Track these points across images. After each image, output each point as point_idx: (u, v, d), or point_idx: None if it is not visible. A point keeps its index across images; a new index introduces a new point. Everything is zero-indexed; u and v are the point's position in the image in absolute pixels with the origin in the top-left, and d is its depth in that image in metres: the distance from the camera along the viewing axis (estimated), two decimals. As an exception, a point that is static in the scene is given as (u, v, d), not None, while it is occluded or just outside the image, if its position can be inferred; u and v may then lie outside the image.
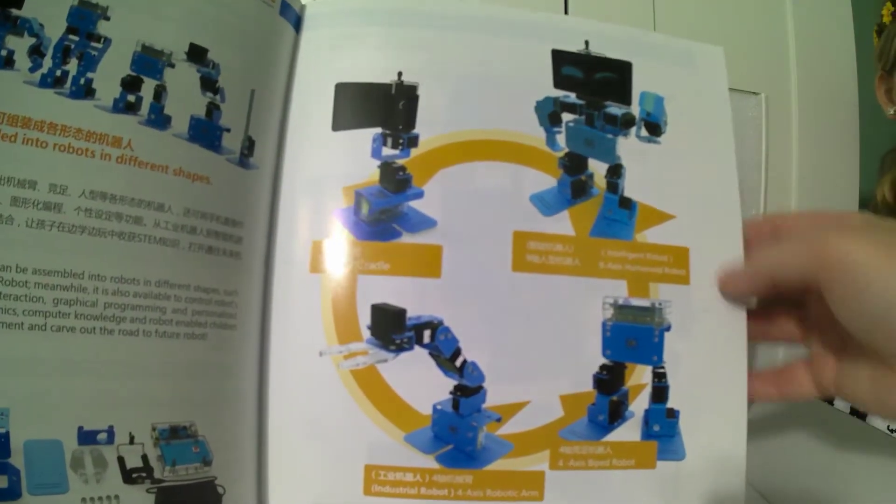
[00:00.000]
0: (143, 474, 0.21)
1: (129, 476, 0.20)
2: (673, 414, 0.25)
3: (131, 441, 0.21)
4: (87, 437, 0.20)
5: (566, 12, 0.44)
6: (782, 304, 0.28)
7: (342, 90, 0.26)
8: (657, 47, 0.28)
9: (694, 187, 0.27)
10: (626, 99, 0.27)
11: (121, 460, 0.20)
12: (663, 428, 0.25)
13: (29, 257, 0.19)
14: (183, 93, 0.23)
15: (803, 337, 0.28)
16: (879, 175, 0.59)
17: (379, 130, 0.25)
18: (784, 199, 0.53)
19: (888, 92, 0.53)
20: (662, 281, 0.26)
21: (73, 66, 0.21)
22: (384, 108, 0.26)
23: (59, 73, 0.21)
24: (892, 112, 0.55)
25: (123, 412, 0.21)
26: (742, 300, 0.26)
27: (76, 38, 0.21)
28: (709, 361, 0.26)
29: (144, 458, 0.21)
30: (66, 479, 0.19)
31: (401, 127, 0.25)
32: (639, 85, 0.27)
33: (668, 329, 0.26)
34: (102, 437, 0.20)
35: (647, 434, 0.25)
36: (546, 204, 0.26)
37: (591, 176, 0.26)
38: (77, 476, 0.19)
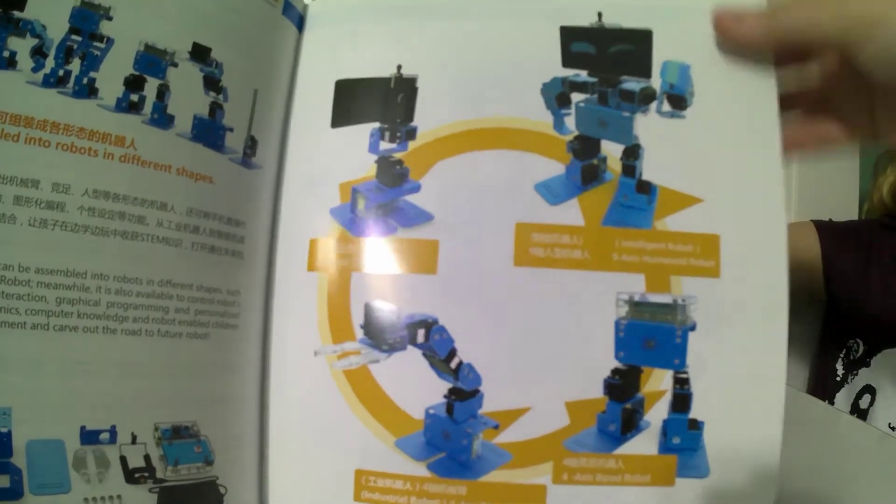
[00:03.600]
0: (146, 474, 0.21)
1: (131, 476, 0.20)
2: (696, 425, 0.23)
3: (133, 441, 0.21)
4: (89, 437, 0.20)
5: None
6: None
7: (342, 87, 0.25)
8: (682, 9, 0.25)
9: (726, 166, 0.24)
10: (645, 71, 0.25)
11: (123, 460, 0.20)
12: (684, 441, 0.23)
13: (31, 256, 0.19)
14: (186, 92, 0.23)
15: (820, 100, 0.27)
16: (873, 177, 0.57)
17: (377, 125, 0.25)
18: (784, 199, 0.53)
19: None
20: (686, 274, 0.23)
21: (75, 65, 0.21)
22: (383, 102, 0.25)
23: (61, 72, 0.21)
24: None
25: (126, 412, 0.21)
26: (746, 49, 0.25)
27: (79, 39, 0.21)
28: (740, 366, 0.23)
29: (147, 457, 0.21)
30: (69, 478, 0.19)
31: (399, 120, 0.25)
32: (661, 54, 0.25)
33: (692, 328, 0.23)
34: (105, 436, 0.20)
35: (666, 447, 0.23)
36: (552, 192, 0.24)
37: (604, 159, 0.24)
38: (79, 476, 0.19)
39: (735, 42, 0.25)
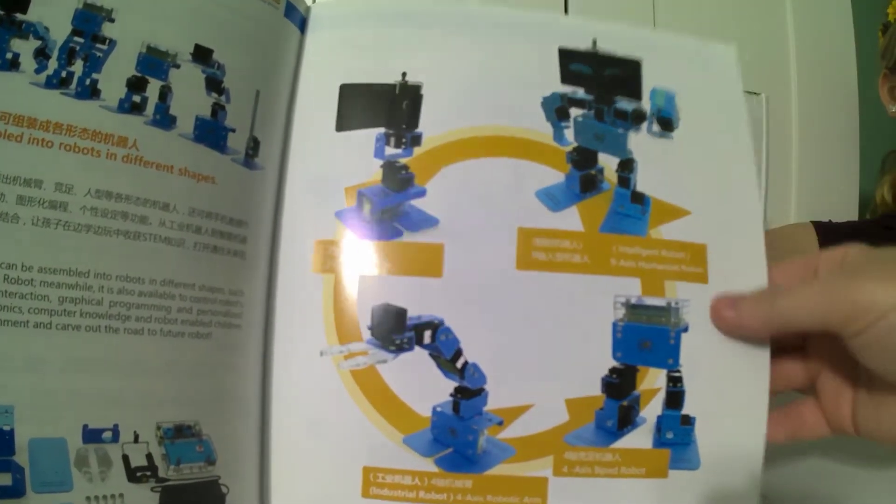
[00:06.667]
0: (148, 473, 0.21)
1: (133, 475, 0.20)
2: (688, 421, 0.24)
3: (136, 440, 0.21)
4: (91, 436, 0.20)
5: (566, 13, 0.43)
6: (777, 350, 0.26)
7: (346, 91, 0.26)
8: (666, 46, 0.27)
9: (710, 183, 0.26)
10: (636, 94, 0.26)
11: (125, 459, 0.20)
12: (677, 435, 0.24)
13: (34, 256, 0.19)
14: (188, 93, 0.23)
15: (806, 381, 0.26)
16: (880, 173, 0.58)
17: (382, 130, 0.25)
18: (784, 199, 0.53)
19: (892, 90, 0.52)
20: (679, 279, 0.25)
21: (78, 67, 0.21)
22: (388, 108, 0.25)
23: (64, 74, 0.21)
24: (894, 110, 0.53)
25: (128, 411, 0.21)
26: (743, 338, 0.24)
27: (81, 40, 0.21)
28: (729, 365, 0.25)
29: (149, 456, 0.21)
30: (71, 477, 0.19)
31: (404, 126, 0.25)
32: (649, 81, 0.27)
33: (685, 330, 0.24)
34: (107, 435, 0.20)
35: (660, 442, 0.24)
36: (553, 199, 0.25)
37: (601, 170, 0.26)
38: (81, 474, 0.19)
39: (732, 331, 0.24)
